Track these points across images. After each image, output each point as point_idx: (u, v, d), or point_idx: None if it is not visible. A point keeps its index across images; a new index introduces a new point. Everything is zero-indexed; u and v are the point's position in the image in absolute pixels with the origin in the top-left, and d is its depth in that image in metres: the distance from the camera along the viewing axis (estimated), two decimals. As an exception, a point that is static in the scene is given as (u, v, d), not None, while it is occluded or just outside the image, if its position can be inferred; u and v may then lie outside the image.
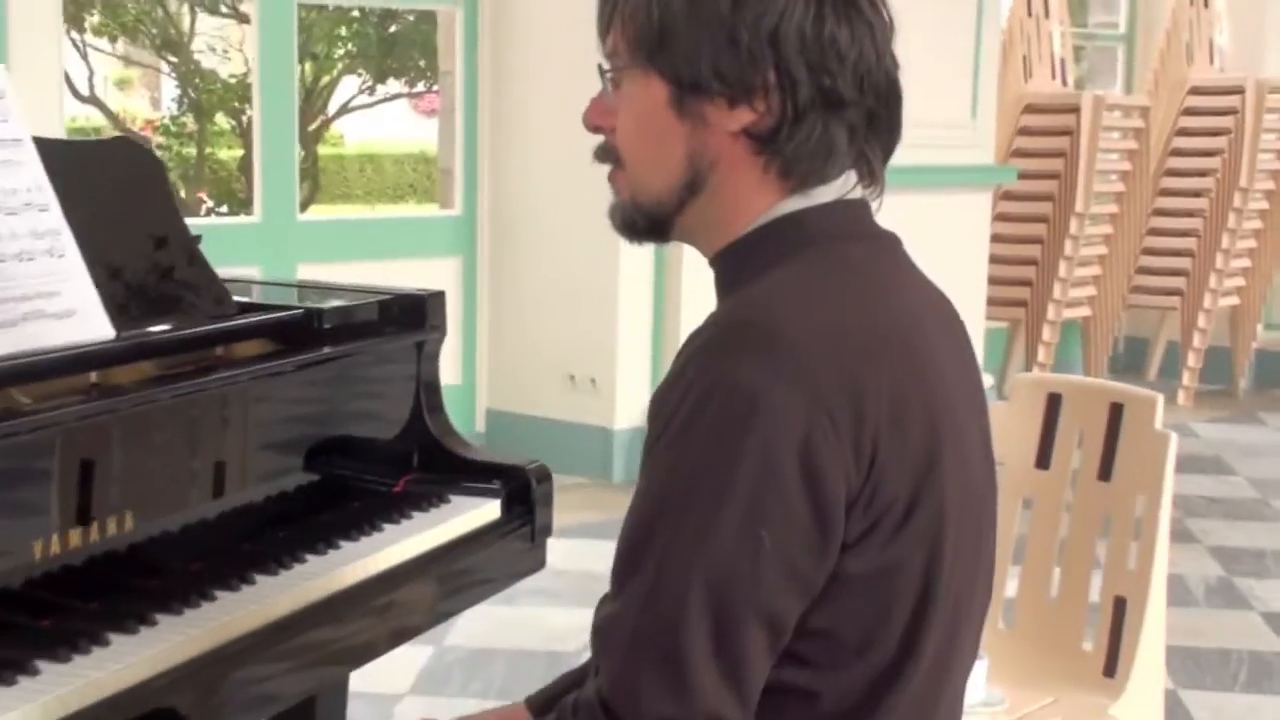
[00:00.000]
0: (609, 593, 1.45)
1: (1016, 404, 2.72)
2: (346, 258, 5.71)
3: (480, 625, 4.16)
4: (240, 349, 2.18)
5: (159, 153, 11.91)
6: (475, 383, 6.20)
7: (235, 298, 2.25)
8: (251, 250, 5.51)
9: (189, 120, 12.28)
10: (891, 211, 6.19)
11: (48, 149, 2.00)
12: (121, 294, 2.02)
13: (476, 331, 6.18)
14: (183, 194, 12.11)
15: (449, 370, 6.08)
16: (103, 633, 1.72)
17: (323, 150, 14.28)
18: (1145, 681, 2.50)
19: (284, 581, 1.94)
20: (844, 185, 1.50)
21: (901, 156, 6.12)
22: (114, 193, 2.13)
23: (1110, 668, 2.53)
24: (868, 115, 1.47)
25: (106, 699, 1.63)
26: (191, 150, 12.23)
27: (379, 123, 13.98)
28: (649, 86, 1.47)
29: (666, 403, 1.39)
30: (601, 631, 1.43)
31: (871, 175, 1.52)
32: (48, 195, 1.95)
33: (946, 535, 1.44)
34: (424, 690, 3.82)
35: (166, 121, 12.69)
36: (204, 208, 11.98)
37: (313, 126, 12.43)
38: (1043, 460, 2.68)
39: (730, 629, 1.36)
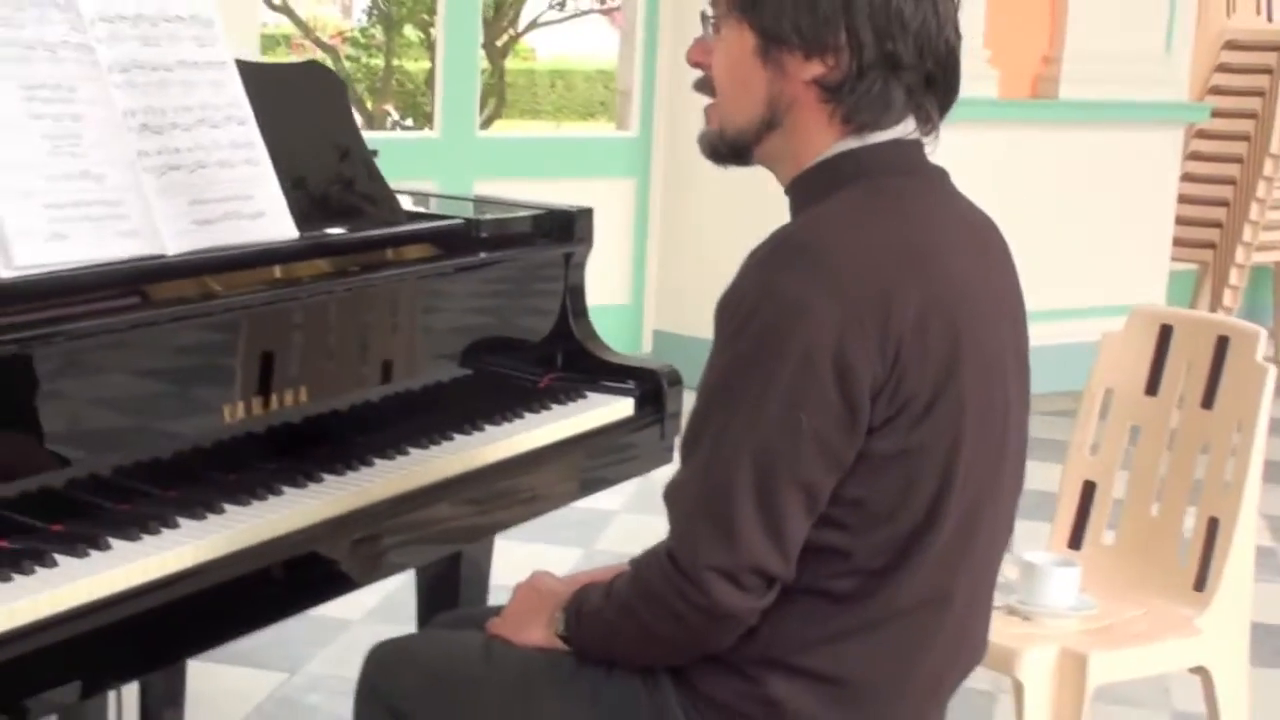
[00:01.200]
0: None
1: (1131, 334, 3.01)
2: (522, 175, 6.10)
3: (634, 529, 4.56)
4: (406, 252, 2.58)
5: (347, 63, 12.49)
6: (643, 303, 6.59)
7: (406, 208, 2.66)
8: (430, 165, 5.95)
9: (378, 32, 12.76)
10: (1076, 145, 6.56)
11: (247, 71, 2.41)
12: (305, 200, 2.43)
13: (647, 253, 6.56)
14: (369, 106, 12.64)
15: (619, 290, 6.52)
16: (278, 485, 2.14)
17: (512, 65, 14.73)
18: (1232, 597, 2.79)
19: (432, 454, 2.36)
20: (901, 130, 1.84)
21: (1090, 91, 6.51)
22: (302, 110, 2.55)
23: (1200, 583, 2.83)
24: (925, 77, 1.81)
25: (277, 538, 2.05)
26: (379, 62, 12.72)
27: (572, 37, 14.35)
28: (741, 35, 1.83)
29: (727, 308, 1.77)
30: (668, 496, 1.82)
31: (928, 122, 1.85)
32: (246, 111, 2.36)
33: (965, 429, 1.79)
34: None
35: (356, 33, 13.21)
36: (389, 120, 12.49)
37: (500, 41, 12.85)
38: (1152, 387, 2.98)
39: (772, 494, 1.73)
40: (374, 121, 12.48)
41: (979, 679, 2.68)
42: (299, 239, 2.36)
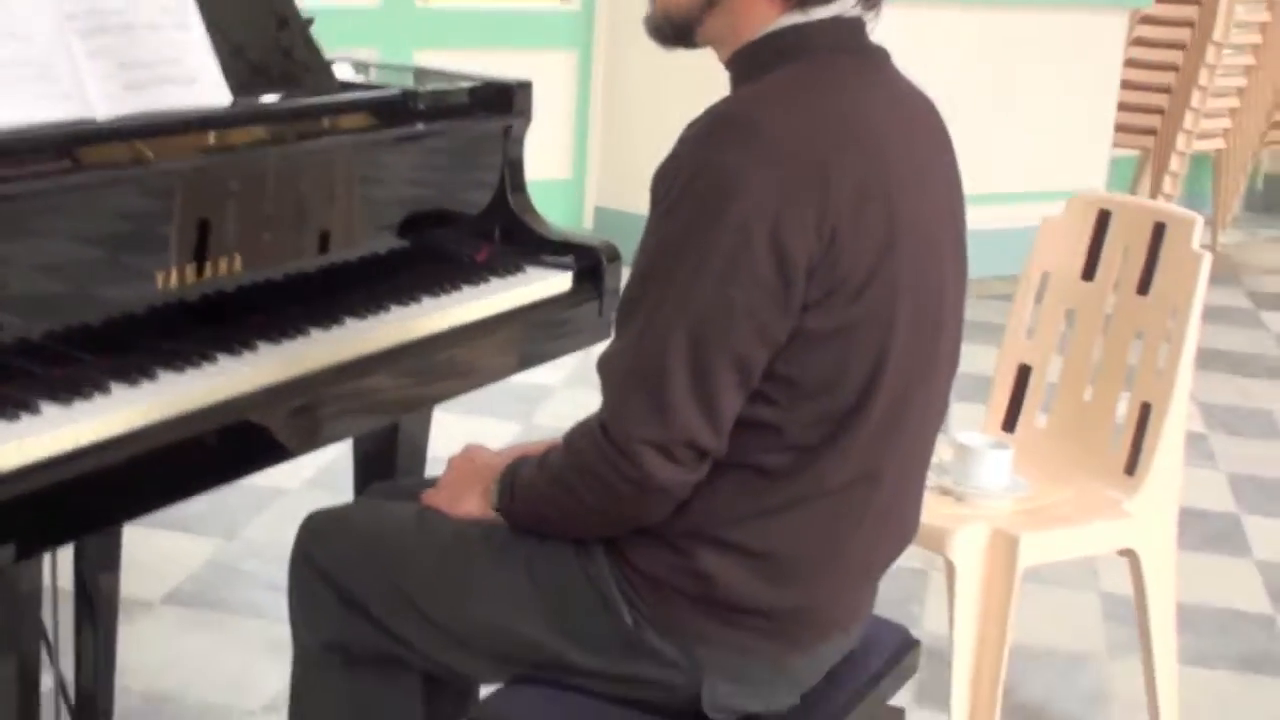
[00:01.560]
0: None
1: (1069, 219, 3.02)
2: (463, 46, 6.04)
3: (572, 404, 4.58)
4: (342, 121, 2.54)
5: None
6: (585, 178, 6.56)
7: (343, 77, 2.62)
8: (370, 34, 5.87)
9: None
10: (1020, 28, 6.56)
11: (179, -70, 2.36)
12: (239, 67, 2.38)
13: (589, 127, 6.52)
14: (309, -28, 12.47)
15: (559, 164, 6.48)
16: (212, 353, 2.12)
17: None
18: (1161, 481, 2.83)
19: (369, 325, 2.34)
20: (842, 5, 1.82)
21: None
22: (235, -28, 2.49)
23: (1131, 467, 2.86)
24: None
25: (212, 405, 2.04)
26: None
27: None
28: None
29: (664, 181, 1.76)
30: (601, 367, 1.81)
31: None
32: (177, -28, 2.31)
33: (899, 309, 1.79)
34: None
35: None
36: (330, -12, 12.32)
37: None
38: (1088, 273, 2.99)
39: (705, 368, 1.73)
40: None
41: (912, 557, 2.72)
42: (232, 105, 2.33)
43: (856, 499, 1.85)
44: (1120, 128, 7.20)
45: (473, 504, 2.01)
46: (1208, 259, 2.79)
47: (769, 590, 1.84)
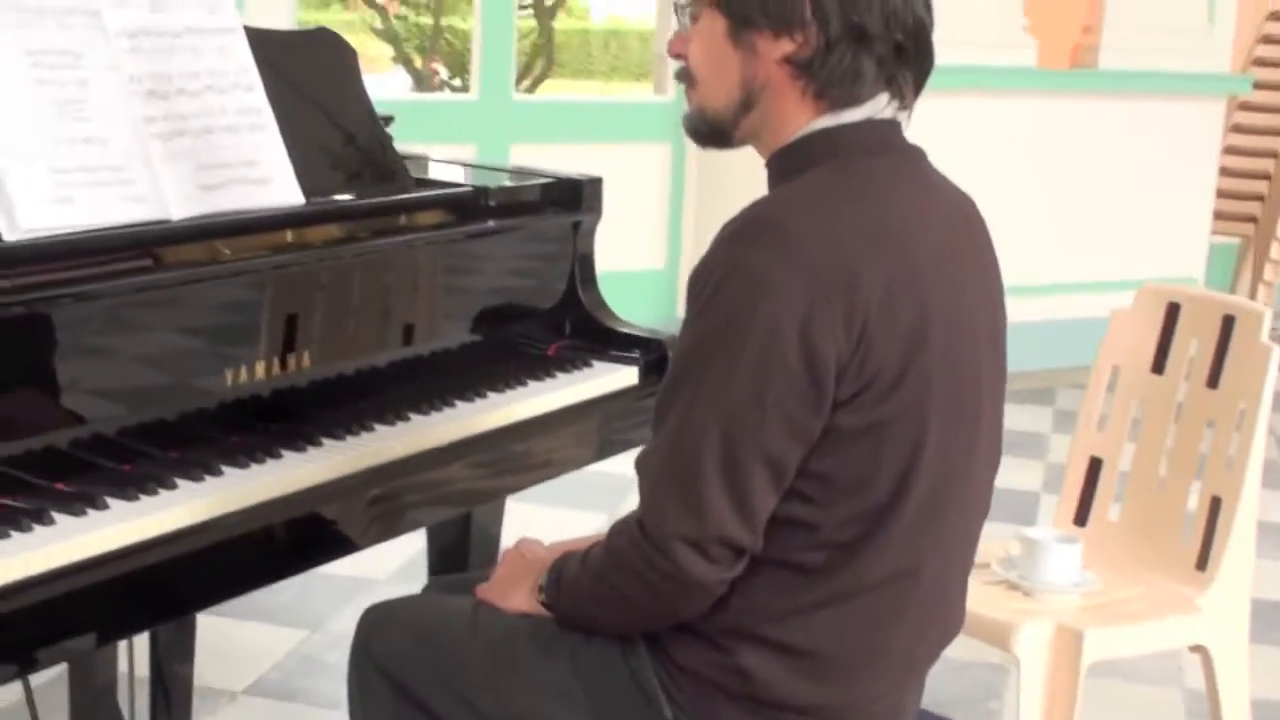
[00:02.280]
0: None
1: (1138, 312, 3.02)
2: (559, 139, 6.13)
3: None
4: (414, 219, 2.61)
5: (395, 22, 12.53)
6: (679, 269, 6.62)
7: (418, 175, 2.70)
8: (468, 128, 5.99)
9: (427, -10, 12.82)
10: (1116, 116, 6.55)
11: (257, 37, 2.44)
12: (312, 167, 2.46)
13: (682, 218, 6.58)
14: (418, 64, 12.69)
15: (654, 256, 6.55)
16: (276, 448, 2.18)
17: (565, 25, 14.75)
18: (1233, 576, 2.81)
19: (433, 421, 2.39)
20: (874, 107, 1.86)
21: (1130, 61, 6.48)
22: (312, 77, 2.58)
23: (1202, 562, 2.84)
24: (895, 48, 1.83)
25: (274, 499, 2.09)
26: (428, 20, 12.78)
27: (629, -1, 14.34)
28: (713, 20, 1.87)
29: (697, 282, 1.79)
30: (639, 464, 1.85)
31: (902, 99, 1.87)
32: (254, 77, 2.40)
33: (933, 406, 1.81)
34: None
35: (407, -9, 13.26)
36: (437, 79, 12.54)
37: (549, 2, 12.87)
38: (1158, 365, 2.99)
39: (739, 467, 1.76)
40: (422, 80, 12.53)
41: (991, 653, 2.72)
42: (305, 205, 2.40)
43: (896, 595, 1.86)
44: (1220, 215, 7.16)
45: (522, 599, 2.04)
46: (1276, 352, 2.78)
47: (810, 688, 1.85)
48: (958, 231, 1.92)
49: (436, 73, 12.67)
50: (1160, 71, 6.62)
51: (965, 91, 6.21)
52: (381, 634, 2.14)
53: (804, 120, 1.86)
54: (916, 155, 1.92)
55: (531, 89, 12.28)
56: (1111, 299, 3.09)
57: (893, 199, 1.85)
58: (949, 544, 1.91)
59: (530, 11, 12.48)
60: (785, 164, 1.88)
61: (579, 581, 1.94)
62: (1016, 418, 5.91)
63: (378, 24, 13.10)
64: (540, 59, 12.73)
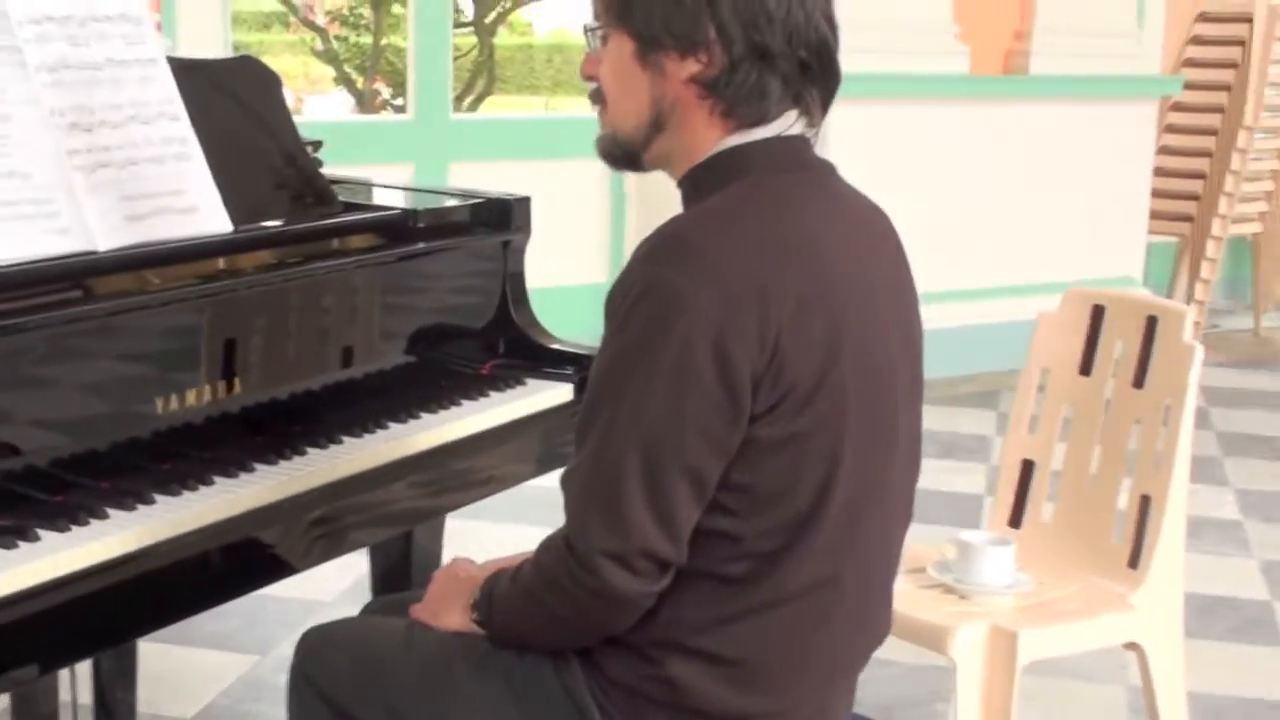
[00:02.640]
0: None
1: (1064, 315, 3.06)
2: (497, 157, 6.15)
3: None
4: (342, 243, 2.63)
5: (335, 43, 12.52)
6: (621, 283, 6.64)
7: (349, 198, 2.71)
8: (405, 148, 6.00)
9: (367, 10, 12.80)
10: (1049, 120, 6.62)
11: (180, 67, 2.46)
12: (240, 194, 2.47)
13: (625, 232, 6.61)
14: (359, 85, 12.68)
15: (595, 270, 6.57)
16: (209, 475, 2.19)
17: (509, 41, 14.74)
18: (1164, 573, 2.84)
19: (365, 443, 2.41)
20: (783, 124, 1.89)
21: (1062, 65, 6.57)
22: (237, 105, 2.59)
23: (1134, 560, 2.88)
24: (800, 66, 1.86)
25: (203, 527, 2.10)
26: (369, 40, 12.77)
27: (571, 11, 14.33)
28: (620, 42, 1.90)
29: (614, 300, 1.83)
30: (563, 482, 1.88)
31: (810, 116, 1.90)
32: (178, 107, 2.41)
33: (849, 416, 1.84)
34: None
35: (346, 11, 13.24)
36: (379, 99, 12.53)
37: (489, 18, 12.89)
38: (1085, 367, 3.03)
39: (660, 481, 1.78)
40: (364, 101, 12.52)
41: (938, 656, 2.75)
42: (234, 232, 2.41)
43: (818, 603, 1.89)
44: (1157, 215, 7.24)
45: (455, 617, 2.06)
46: (1199, 351, 2.82)
47: (737, 696, 1.88)
48: (870, 244, 1.95)
49: (378, 92, 12.66)
50: (1092, 75, 6.69)
51: (898, 100, 6.26)
52: (318, 657, 2.15)
53: (714, 139, 1.89)
54: (827, 170, 1.95)
55: (474, 106, 12.29)
56: (1052, 301, 3.14)
57: (803, 214, 1.88)
58: (870, 552, 1.94)
59: (470, 29, 12.49)
60: (697, 183, 1.91)
61: (509, 598, 1.96)
62: (960, 421, 5.99)
63: (319, 45, 13.09)
64: (482, 76, 12.74)
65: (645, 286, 1.79)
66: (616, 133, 1.95)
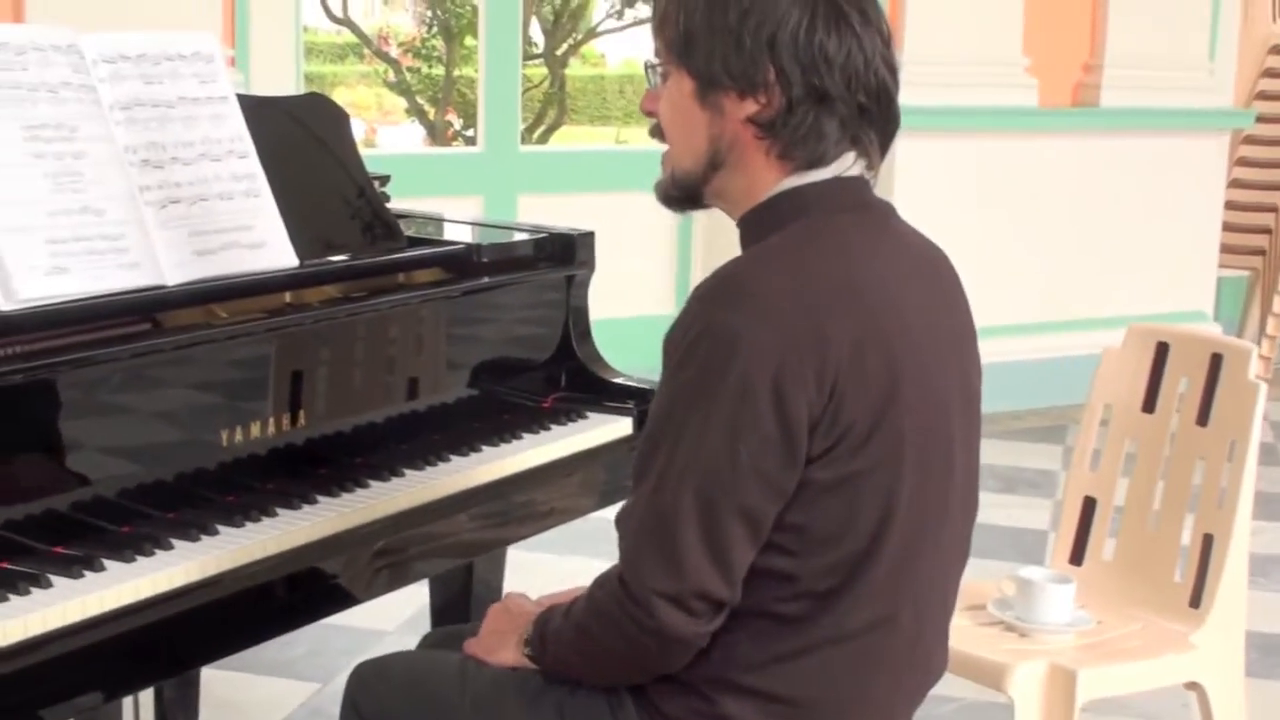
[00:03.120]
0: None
1: (1128, 351, 3.06)
2: (566, 189, 6.19)
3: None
4: (408, 277, 2.66)
5: (408, 75, 12.63)
6: (688, 314, 6.65)
7: (409, 234, 2.75)
8: (475, 180, 6.05)
9: (439, 42, 12.91)
10: (1119, 153, 6.58)
11: (249, 104, 2.50)
12: (306, 230, 2.51)
13: (691, 264, 6.63)
14: (431, 115, 12.78)
15: (663, 301, 6.59)
16: (273, 507, 2.23)
17: (581, 72, 14.83)
18: (1226, 613, 2.83)
19: (427, 476, 2.44)
20: (841, 166, 1.90)
21: (1132, 98, 6.51)
22: (305, 141, 2.64)
23: (1196, 599, 2.87)
24: (858, 109, 1.87)
25: (270, 557, 2.14)
26: (441, 72, 12.87)
27: (644, 42, 14.34)
28: (680, 81, 1.91)
29: (671, 341, 1.85)
30: (619, 522, 1.89)
31: (868, 158, 1.92)
32: (247, 144, 2.46)
33: (906, 456, 1.85)
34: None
35: (418, 43, 13.36)
36: (450, 129, 12.63)
37: (561, 49, 12.97)
38: (1149, 404, 3.02)
39: (715, 522, 1.80)
40: (435, 132, 12.63)
41: (999, 694, 2.74)
42: (300, 267, 2.45)
43: (874, 643, 1.89)
44: (1228, 249, 7.19)
45: (509, 653, 2.08)
46: (1263, 389, 2.81)
47: (792, 736, 1.89)
48: (929, 284, 1.96)
49: (450, 124, 12.76)
50: (1163, 108, 6.66)
51: (967, 133, 6.26)
52: (369, 691, 2.18)
53: (772, 181, 1.91)
54: (886, 211, 1.96)
55: (545, 137, 12.36)
56: (1121, 335, 3.14)
57: (862, 254, 1.89)
58: (926, 592, 1.95)
59: (541, 60, 12.58)
60: (756, 224, 1.92)
61: (562, 634, 1.98)
62: (1027, 456, 5.97)
63: (391, 77, 13.21)
64: (553, 107, 12.81)
65: (704, 326, 1.81)
66: (675, 170, 1.97)
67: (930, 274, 1.97)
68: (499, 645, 2.09)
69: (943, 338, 1.94)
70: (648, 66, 1.98)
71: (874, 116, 1.89)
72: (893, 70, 1.91)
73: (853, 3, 1.88)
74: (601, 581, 1.91)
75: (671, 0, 1.91)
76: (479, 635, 2.15)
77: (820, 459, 1.80)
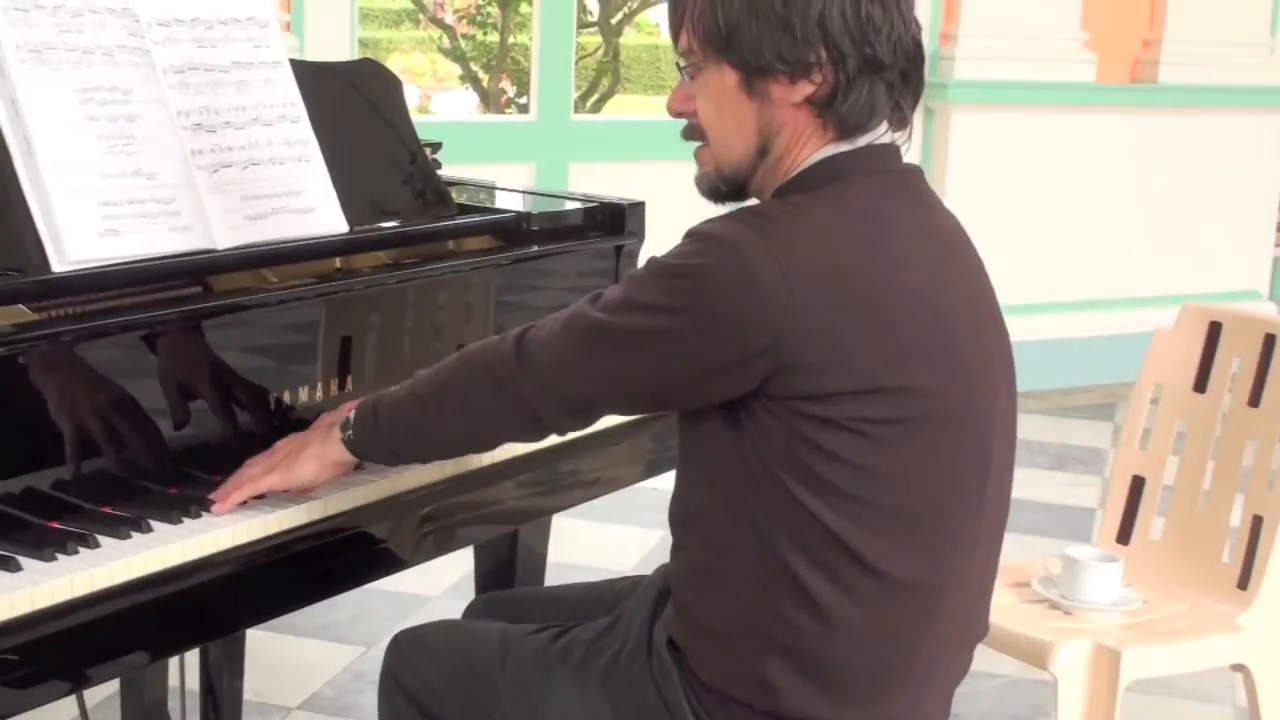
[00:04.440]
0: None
1: (1181, 331, 3.04)
2: (617, 158, 6.17)
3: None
4: (461, 244, 2.67)
5: (462, 41, 12.63)
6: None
7: (466, 200, 2.76)
8: (527, 148, 6.05)
9: (494, 9, 12.90)
10: (1177, 129, 6.57)
11: (302, 70, 2.51)
12: (357, 195, 2.52)
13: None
14: (484, 82, 12.79)
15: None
16: (319, 471, 2.23)
17: (635, 40, 14.81)
18: (1275, 595, 2.81)
19: (476, 442, 2.43)
20: (875, 134, 1.90)
21: (1192, 75, 6.50)
22: (357, 107, 2.64)
23: (1244, 580, 2.85)
24: (901, 74, 1.87)
25: (317, 520, 2.14)
26: (495, 38, 12.87)
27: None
28: (722, 75, 1.89)
29: (690, 234, 1.87)
30: (541, 339, 1.97)
31: (902, 121, 1.92)
32: (299, 110, 2.46)
33: (938, 413, 1.85)
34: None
35: (474, 10, 13.35)
36: (504, 96, 12.63)
37: (615, 18, 12.94)
38: (1200, 384, 3.00)
39: (618, 400, 1.99)
40: (488, 98, 12.63)
41: (1042, 670, 2.73)
42: (349, 233, 2.46)
43: (920, 605, 1.89)
44: (1284, 227, 7.13)
45: (311, 456, 2.11)
46: (1318, 371, 2.79)
47: (831, 706, 1.88)
48: (957, 248, 1.95)
49: (503, 91, 12.75)
50: (1222, 85, 6.60)
51: (1024, 106, 6.22)
52: (408, 662, 2.19)
53: (811, 151, 1.90)
54: (913, 176, 1.96)
55: (598, 106, 12.35)
56: (1173, 313, 3.11)
57: (891, 215, 1.88)
58: (969, 557, 1.94)
59: (595, 28, 12.55)
60: (792, 189, 1.90)
61: (407, 399, 2.06)
62: (1076, 433, 5.94)
63: (446, 43, 13.21)
64: (606, 76, 12.79)
65: (721, 232, 1.81)
66: (723, 168, 1.95)
67: (958, 240, 1.96)
68: (297, 460, 2.12)
69: (982, 306, 1.93)
70: (679, 66, 1.95)
71: (911, 79, 1.89)
72: (920, 27, 1.90)
73: None
74: (485, 342, 2.04)
75: None
76: (266, 466, 2.13)
77: (824, 400, 1.79)
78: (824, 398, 1.79)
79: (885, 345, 1.80)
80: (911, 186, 1.95)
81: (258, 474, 2.12)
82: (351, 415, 2.11)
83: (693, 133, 1.98)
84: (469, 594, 3.98)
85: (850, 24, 1.83)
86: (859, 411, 1.80)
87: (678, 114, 1.99)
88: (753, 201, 1.98)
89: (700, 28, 1.89)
